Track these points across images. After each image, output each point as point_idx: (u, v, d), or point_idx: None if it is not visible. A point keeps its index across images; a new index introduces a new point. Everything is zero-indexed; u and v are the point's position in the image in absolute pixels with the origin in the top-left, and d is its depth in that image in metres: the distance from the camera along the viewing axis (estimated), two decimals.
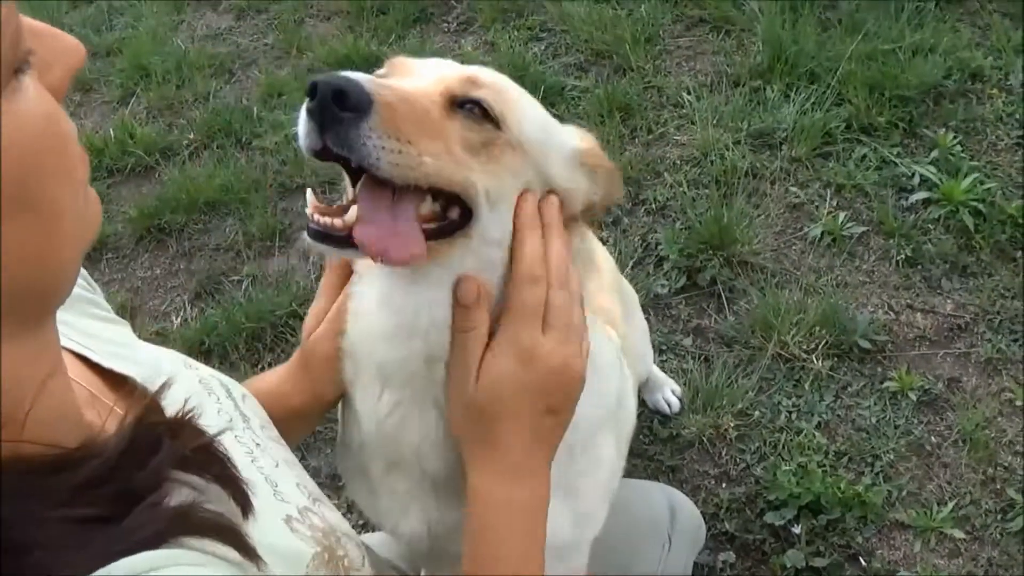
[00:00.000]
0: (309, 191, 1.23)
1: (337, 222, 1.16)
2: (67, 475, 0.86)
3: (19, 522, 0.81)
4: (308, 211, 1.18)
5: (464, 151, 1.24)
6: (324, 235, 1.17)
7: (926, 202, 3.69)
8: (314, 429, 1.50)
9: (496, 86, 1.28)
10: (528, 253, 1.29)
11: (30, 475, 0.83)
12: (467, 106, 1.25)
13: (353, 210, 1.17)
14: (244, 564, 0.96)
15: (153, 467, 0.93)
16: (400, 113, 1.15)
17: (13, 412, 0.83)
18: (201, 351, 3.51)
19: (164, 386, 1.09)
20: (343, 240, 1.16)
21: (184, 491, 0.96)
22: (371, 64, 4.65)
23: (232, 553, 0.95)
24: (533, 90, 4.07)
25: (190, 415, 1.06)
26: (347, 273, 1.47)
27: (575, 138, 1.40)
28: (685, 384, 3.18)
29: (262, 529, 1.07)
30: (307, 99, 1.11)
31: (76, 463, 0.87)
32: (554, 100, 4.32)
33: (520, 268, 1.28)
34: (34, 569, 0.81)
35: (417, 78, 1.27)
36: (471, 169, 1.24)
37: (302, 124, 1.14)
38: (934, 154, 3.85)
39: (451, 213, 1.25)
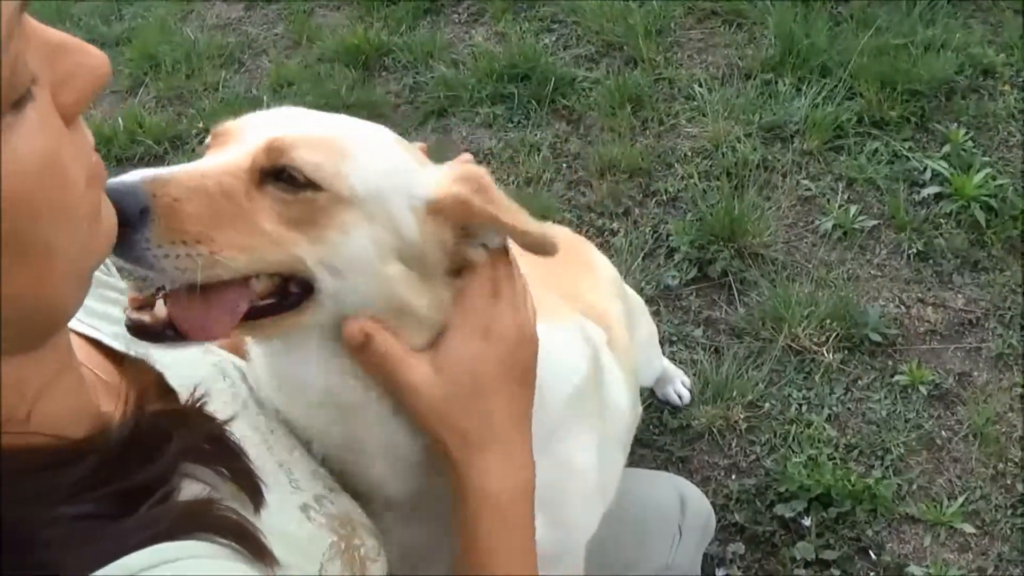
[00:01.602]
0: (127, 284, 1.17)
1: (146, 317, 1.09)
2: (71, 469, 0.84)
3: (23, 520, 0.79)
4: (124, 307, 1.12)
5: (283, 226, 1.14)
6: (142, 330, 1.10)
7: (938, 197, 3.68)
8: None
9: (311, 143, 1.15)
10: None
11: (34, 470, 0.82)
12: (282, 175, 1.14)
13: (160, 304, 1.10)
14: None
15: (161, 460, 0.92)
16: (187, 212, 1.05)
17: (13, 413, 0.82)
18: None
19: (161, 376, 1.07)
20: (161, 334, 1.10)
21: (195, 486, 0.95)
22: (381, 55, 4.68)
23: None
24: (544, 81, 4.11)
25: (200, 402, 1.04)
26: None
27: (435, 184, 1.23)
28: (695, 375, 3.18)
29: (277, 518, 1.06)
30: None
31: (81, 455, 0.86)
32: (565, 91, 4.31)
33: None
34: (39, 568, 0.79)
35: (232, 150, 1.15)
36: (295, 244, 1.14)
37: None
38: (946, 149, 3.84)
39: (292, 286, 1.16)
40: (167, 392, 1.07)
